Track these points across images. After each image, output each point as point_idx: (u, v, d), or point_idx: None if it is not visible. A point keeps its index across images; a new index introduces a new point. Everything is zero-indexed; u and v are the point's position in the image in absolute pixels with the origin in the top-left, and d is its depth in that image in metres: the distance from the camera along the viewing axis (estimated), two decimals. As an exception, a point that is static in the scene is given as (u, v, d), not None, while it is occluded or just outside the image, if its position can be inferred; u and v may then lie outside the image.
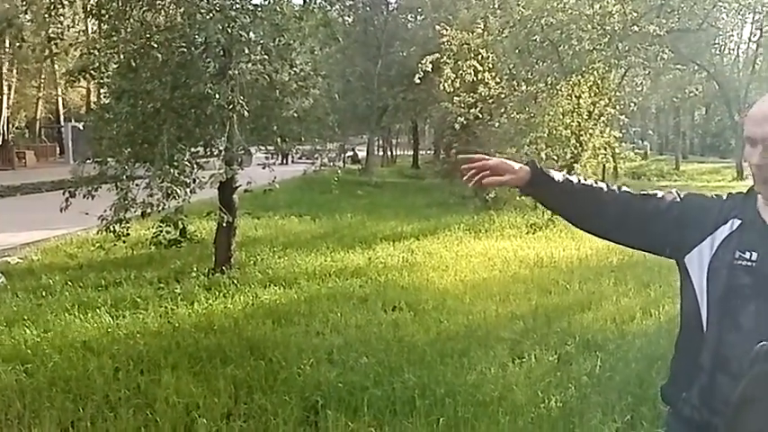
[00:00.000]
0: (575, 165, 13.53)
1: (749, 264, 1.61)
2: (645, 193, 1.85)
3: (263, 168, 8.22)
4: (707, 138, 50.72)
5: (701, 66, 26.56)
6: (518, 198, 14.00)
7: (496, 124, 14.61)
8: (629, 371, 4.58)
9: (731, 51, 33.28)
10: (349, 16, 26.79)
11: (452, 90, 14.39)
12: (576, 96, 13.54)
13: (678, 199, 1.80)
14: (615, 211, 1.83)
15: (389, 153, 42.15)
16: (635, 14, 12.77)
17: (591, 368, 4.64)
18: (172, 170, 6.59)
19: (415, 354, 4.97)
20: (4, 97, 30.59)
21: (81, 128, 26.75)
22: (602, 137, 14.33)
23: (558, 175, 1.84)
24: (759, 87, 24.82)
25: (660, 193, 1.84)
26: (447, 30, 14.68)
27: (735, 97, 28.08)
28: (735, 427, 0.80)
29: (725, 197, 1.80)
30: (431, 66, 14.59)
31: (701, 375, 1.69)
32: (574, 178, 1.86)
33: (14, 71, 31.78)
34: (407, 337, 5.43)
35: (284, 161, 18.99)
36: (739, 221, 1.67)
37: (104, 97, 7.65)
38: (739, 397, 0.78)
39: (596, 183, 1.88)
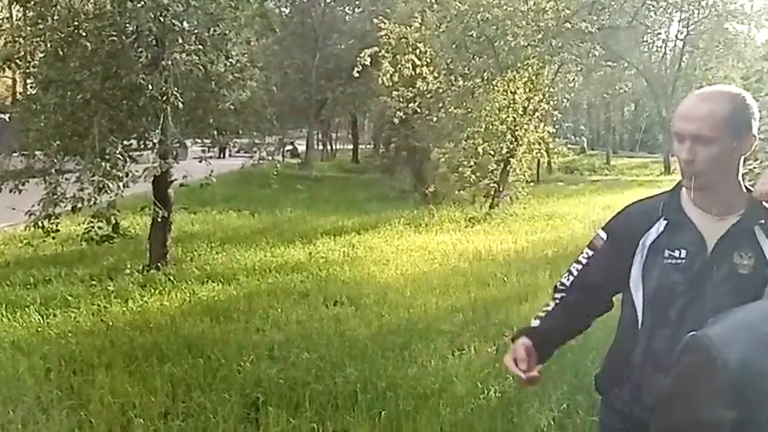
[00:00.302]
0: (510, 159, 13.79)
1: (679, 261, 1.68)
2: (578, 263, 1.91)
3: (200, 162, 8.06)
4: (636, 133, 52.52)
5: (630, 63, 27.48)
6: (457, 192, 14.20)
7: (435, 119, 14.73)
8: (564, 360, 4.69)
9: (659, 49, 34.56)
10: (286, 7, 26.47)
11: (391, 84, 14.42)
12: (511, 92, 13.80)
13: (603, 240, 1.86)
14: (580, 299, 1.89)
15: (329, 147, 41.97)
16: (568, 11, 13.08)
17: (528, 359, 4.75)
18: (103, 163, 6.41)
19: (356, 348, 4.98)
20: None
21: (7, 119, 25.54)
22: (537, 132, 14.65)
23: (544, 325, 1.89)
24: (685, 84, 25.88)
25: (587, 253, 1.90)
26: (385, 23, 14.69)
27: (662, 94, 29.18)
28: (664, 419, 0.83)
29: (650, 198, 1.87)
30: (369, 59, 14.58)
31: (633, 373, 1.76)
32: (549, 312, 1.92)
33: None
34: (349, 331, 5.44)
35: (221, 155, 18.62)
36: (666, 222, 1.73)
37: (31, 87, 7.34)
38: (667, 389, 0.80)
39: (553, 299, 1.94)
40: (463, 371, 4.53)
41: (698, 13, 29.07)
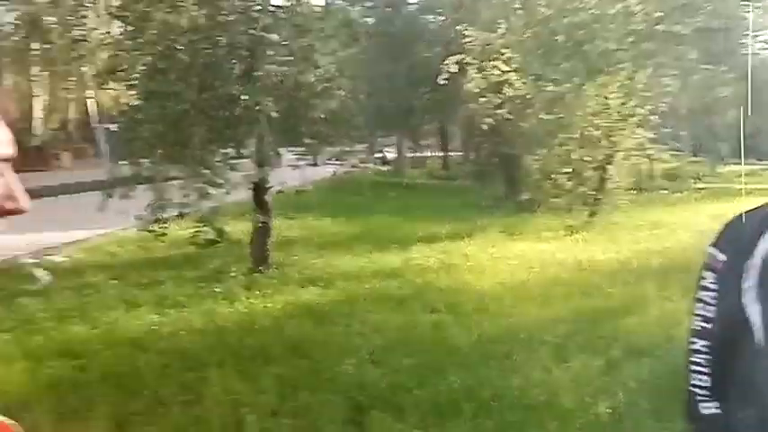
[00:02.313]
0: (608, 166, 13.34)
1: None
2: (705, 290, 1.61)
3: (294, 169, 8.23)
4: (746, 139, 49.86)
5: (730, 66, 26.10)
6: (552, 200, 13.83)
7: (525, 125, 14.45)
8: (678, 377, 4.47)
9: (760, 52, 32.57)
10: (370, 17, 26.75)
11: (478, 91, 14.25)
12: (604, 97, 13.34)
13: (722, 261, 1.68)
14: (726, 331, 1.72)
15: (418, 154, 41.96)
16: (658, 14, 12.54)
17: (639, 373, 4.55)
18: (204, 171, 6.63)
19: (457, 356, 4.93)
20: (38, 99, 30.94)
21: (114, 129, 27.01)
22: (635, 137, 14.09)
23: None
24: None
25: (711, 277, 1.63)
26: (469, 30, 14.53)
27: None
28: None
29: (757, 208, 1.73)
30: (455, 66, 14.43)
31: (757, 396, 1.62)
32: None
33: (46, 73, 32.10)
34: (449, 338, 5.38)
35: (314, 162, 18.96)
36: None
37: (135, 99, 7.71)
38: None
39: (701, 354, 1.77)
40: (569, 383, 4.39)
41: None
